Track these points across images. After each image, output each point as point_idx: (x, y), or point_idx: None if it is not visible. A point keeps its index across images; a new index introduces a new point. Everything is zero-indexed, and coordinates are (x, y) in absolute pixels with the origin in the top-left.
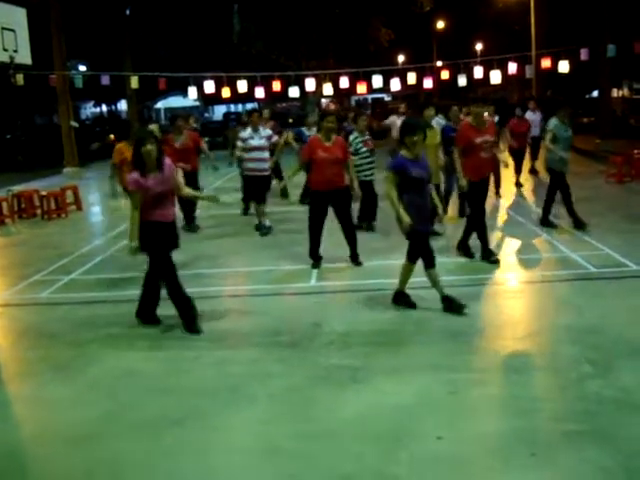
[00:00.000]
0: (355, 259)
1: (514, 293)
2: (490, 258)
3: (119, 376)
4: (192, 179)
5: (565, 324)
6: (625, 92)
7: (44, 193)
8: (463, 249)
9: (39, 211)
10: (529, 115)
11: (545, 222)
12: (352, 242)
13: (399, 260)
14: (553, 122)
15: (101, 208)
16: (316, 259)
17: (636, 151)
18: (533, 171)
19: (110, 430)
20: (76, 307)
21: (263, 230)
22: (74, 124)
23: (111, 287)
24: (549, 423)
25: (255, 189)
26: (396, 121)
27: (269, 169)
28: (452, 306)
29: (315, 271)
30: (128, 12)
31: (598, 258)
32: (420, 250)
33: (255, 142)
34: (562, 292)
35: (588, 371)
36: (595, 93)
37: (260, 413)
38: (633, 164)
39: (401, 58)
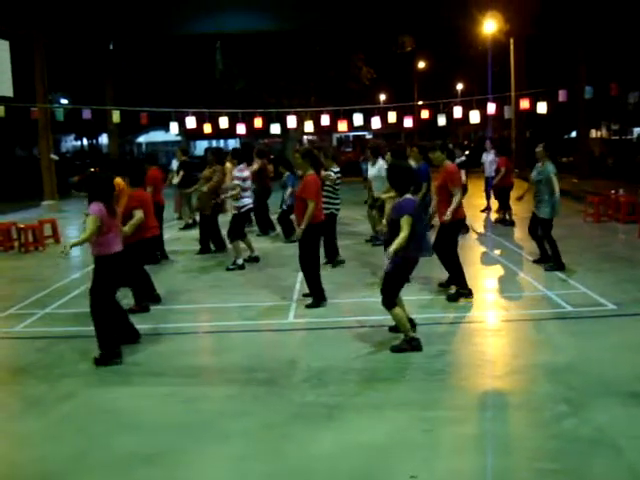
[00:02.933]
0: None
1: (491, 331)
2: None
3: (91, 412)
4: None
5: (542, 363)
6: (603, 133)
7: (22, 226)
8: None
9: (16, 243)
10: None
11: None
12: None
13: (375, 298)
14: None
15: None
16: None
17: (613, 191)
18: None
19: (80, 467)
20: (50, 341)
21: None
22: (54, 157)
23: (86, 322)
24: (524, 461)
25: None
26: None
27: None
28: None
29: (293, 307)
30: (111, 46)
31: (575, 297)
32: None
33: None
34: (539, 331)
35: (564, 410)
36: (574, 134)
37: (234, 450)
38: (610, 204)
39: (382, 97)
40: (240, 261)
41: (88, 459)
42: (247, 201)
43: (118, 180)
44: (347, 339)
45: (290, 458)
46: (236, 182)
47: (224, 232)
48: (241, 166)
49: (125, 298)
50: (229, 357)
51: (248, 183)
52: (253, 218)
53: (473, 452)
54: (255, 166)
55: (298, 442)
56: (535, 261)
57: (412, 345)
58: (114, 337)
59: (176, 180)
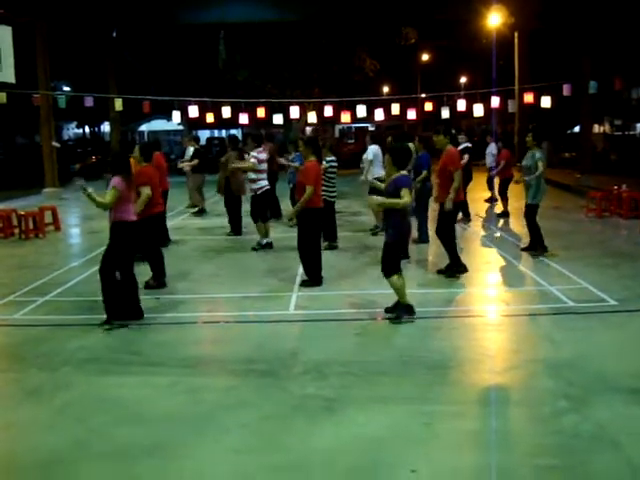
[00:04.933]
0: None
1: (492, 326)
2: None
3: (90, 401)
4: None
5: (542, 358)
6: (606, 128)
7: (22, 213)
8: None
9: (17, 230)
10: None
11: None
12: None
13: (377, 290)
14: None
15: (80, 229)
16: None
17: (616, 187)
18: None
19: (79, 457)
20: (50, 329)
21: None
22: (56, 144)
23: (86, 310)
24: (524, 457)
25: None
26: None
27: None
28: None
29: (294, 298)
30: (114, 34)
31: (577, 292)
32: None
33: None
34: (540, 326)
35: (564, 406)
36: (577, 128)
37: (233, 442)
38: (612, 200)
39: (385, 89)
40: (264, 241)
41: (87, 449)
42: (263, 183)
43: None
44: (348, 331)
45: (290, 451)
46: (252, 160)
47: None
48: (260, 148)
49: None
50: (229, 348)
51: (264, 165)
52: None
53: (473, 447)
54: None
55: (298, 435)
56: (523, 249)
57: (407, 310)
58: (119, 302)
59: (187, 166)
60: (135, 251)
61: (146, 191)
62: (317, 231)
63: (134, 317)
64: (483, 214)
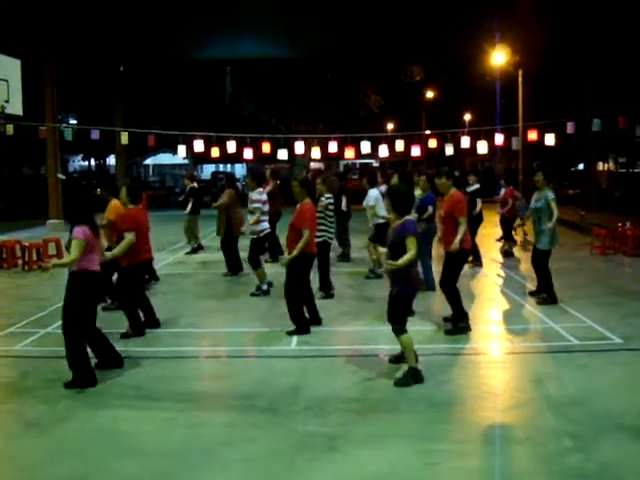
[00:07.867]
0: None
1: (496, 364)
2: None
3: (90, 435)
4: None
5: (546, 396)
6: (610, 166)
7: (26, 244)
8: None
9: (20, 261)
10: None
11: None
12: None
13: (379, 327)
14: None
15: None
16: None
17: (620, 224)
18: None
19: None
20: (50, 361)
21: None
22: (61, 176)
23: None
24: None
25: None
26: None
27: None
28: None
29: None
30: (122, 68)
31: (581, 330)
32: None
33: None
34: (544, 364)
35: (569, 445)
36: (581, 166)
37: (233, 479)
38: (617, 237)
39: (390, 125)
40: (264, 286)
41: None
42: (265, 225)
43: (115, 202)
44: (349, 368)
45: None
46: (256, 205)
47: (243, 255)
48: (260, 189)
49: (116, 322)
50: (230, 383)
51: (266, 207)
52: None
53: None
54: (269, 187)
55: (299, 472)
56: (531, 293)
57: (416, 378)
58: (87, 360)
59: (188, 209)
60: (97, 303)
61: (129, 237)
62: (307, 278)
63: (116, 365)
64: (491, 253)
